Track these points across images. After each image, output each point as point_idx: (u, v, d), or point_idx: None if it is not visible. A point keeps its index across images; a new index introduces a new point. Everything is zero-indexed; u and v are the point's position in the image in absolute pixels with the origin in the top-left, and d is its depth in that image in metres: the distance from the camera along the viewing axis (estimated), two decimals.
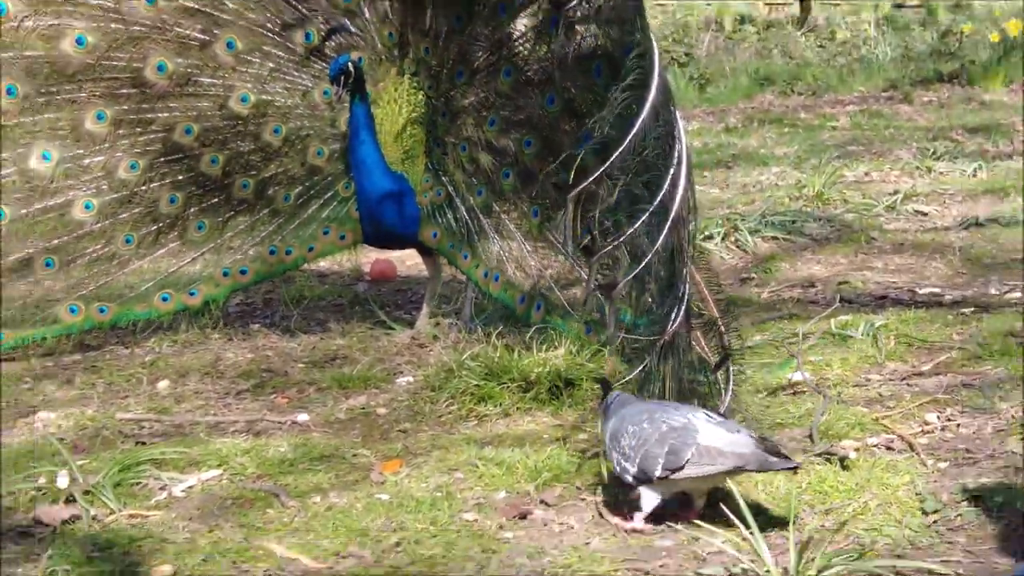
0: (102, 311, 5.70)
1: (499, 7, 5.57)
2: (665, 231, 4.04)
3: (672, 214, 4.04)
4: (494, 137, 5.67)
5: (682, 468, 3.48)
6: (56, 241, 5.65)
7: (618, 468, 3.65)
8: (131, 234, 5.72)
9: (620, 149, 4.07)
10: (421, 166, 5.71)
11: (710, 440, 3.49)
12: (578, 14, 4.81)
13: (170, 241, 5.82)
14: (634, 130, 4.07)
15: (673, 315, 4.05)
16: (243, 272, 5.84)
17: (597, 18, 4.64)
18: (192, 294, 5.79)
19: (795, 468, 3.57)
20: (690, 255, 4.20)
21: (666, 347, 4.06)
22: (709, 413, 3.66)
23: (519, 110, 5.63)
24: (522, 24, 5.63)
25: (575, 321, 5.40)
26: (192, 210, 5.78)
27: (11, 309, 5.64)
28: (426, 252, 5.96)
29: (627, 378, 4.16)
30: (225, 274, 5.82)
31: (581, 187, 4.13)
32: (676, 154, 4.12)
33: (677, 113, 4.31)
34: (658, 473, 3.51)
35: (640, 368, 4.09)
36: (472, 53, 5.67)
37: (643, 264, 4.04)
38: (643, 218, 4.04)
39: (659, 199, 4.05)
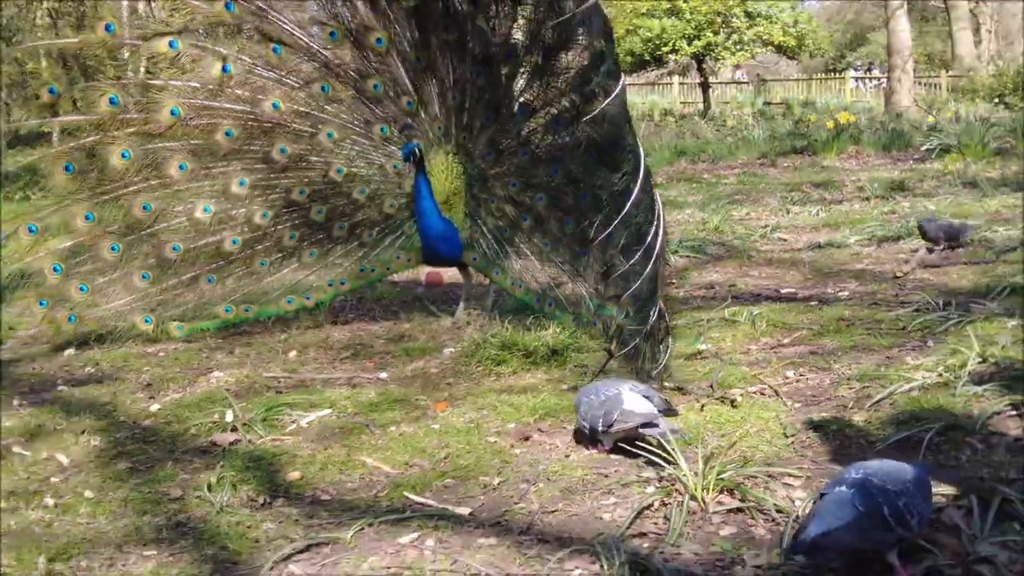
0: (247, 310, 5.69)
1: (519, 111, 5.48)
2: (651, 264, 4.07)
3: (655, 252, 4.09)
4: (515, 194, 5.59)
5: (612, 425, 3.52)
6: (214, 264, 5.61)
7: (582, 427, 3.66)
8: (264, 259, 5.67)
9: (624, 210, 4.10)
10: (461, 214, 5.64)
11: (630, 406, 3.52)
12: (586, 117, 4.81)
13: (291, 263, 5.76)
14: (632, 198, 4.08)
15: (652, 313, 4.08)
16: (342, 283, 5.79)
17: (601, 120, 4.49)
18: (308, 298, 5.75)
19: (683, 436, 3.51)
20: (663, 277, 4.23)
21: (647, 333, 4.09)
22: (635, 385, 3.67)
23: (532, 177, 5.54)
24: (534, 122, 5.51)
25: (568, 313, 5.34)
26: (305, 243, 5.73)
27: (186, 309, 5.63)
28: (463, 268, 5.92)
29: (623, 351, 4.17)
30: (330, 284, 5.78)
31: (603, 235, 4.16)
32: (656, 213, 4.14)
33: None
34: (600, 428, 3.55)
35: (632, 344, 4.10)
36: (498, 141, 5.57)
37: (636, 284, 4.07)
38: (637, 255, 4.06)
39: (647, 243, 4.08)
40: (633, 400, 3.54)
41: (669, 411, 3.60)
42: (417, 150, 5.37)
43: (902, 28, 20.24)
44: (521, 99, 5.50)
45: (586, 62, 4.82)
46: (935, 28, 37.21)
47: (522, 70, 5.44)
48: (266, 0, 5.43)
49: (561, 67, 5.17)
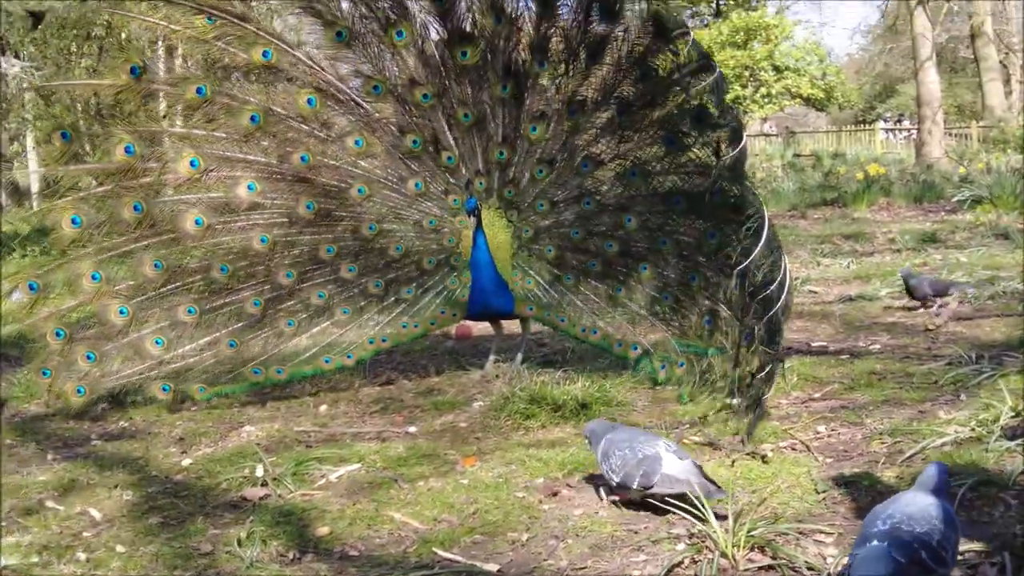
0: (279, 372, 5.39)
1: (582, 164, 5.41)
2: (784, 294, 4.18)
3: (786, 284, 4.19)
4: (578, 242, 5.48)
5: (651, 487, 3.44)
6: (235, 327, 5.32)
7: (607, 476, 3.60)
8: (291, 320, 5.40)
9: (760, 244, 4.24)
10: (509, 266, 5.49)
11: (670, 470, 3.42)
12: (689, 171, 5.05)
13: (322, 322, 5.47)
14: (764, 236, 4.23)
15: (781, 343, 4.19)
16: (384, 340, 5.53)
17: (721, 174, 4.63)
18: (348, 356, 5.47)
19: (722, 495, 3.38)
20: (790, 308, 4.39)
21: (776, 362, 4.16)
22: (668, 443, 3.56)
23: (597, 225, 5.43)
24: (602, 173, 5.43)
25: (656, 360, 5.27)
26: (336, 301, 5.48)
27: (207, 372, 5.33)
28: (495, 321, 5.81)
29: (760, 375, 4.22)
30: (371, 342, 5.51)
31: (743, 266, 4.25)
32: (781, 253, 4.28)
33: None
34: (635, 487, 3.47)
35: (768, 368, 4.16)
36: (552, 193, 5.48)
37: (773, 311, 4.17)
38: (773, 286, 4.17)
39: (780, 275, 4.21)
40: (672, 463, 3.45)
41: (701, 473, 3.49)
42: (478, 206, 5.27)
43: (931, 79, 20.28)
44: (586, 152, 5.41)
45: (681, 117, 4.95)
46: (965, 79, 37.17)
47: (590, 124, 5.36)
48: (304, 50, 5.33)
49: (644, 124, 5.15)
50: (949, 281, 6.91)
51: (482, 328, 6.57)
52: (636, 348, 5.39)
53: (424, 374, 5.92)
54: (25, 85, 14.81)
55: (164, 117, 5.55)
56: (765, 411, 4.11)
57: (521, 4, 5.34)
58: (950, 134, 25.60)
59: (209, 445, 4.79)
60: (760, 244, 4.16)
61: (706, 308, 5.16)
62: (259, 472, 4.13)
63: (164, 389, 5.27)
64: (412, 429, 4.85)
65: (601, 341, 5.49)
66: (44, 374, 5.20)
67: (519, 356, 5.73)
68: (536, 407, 4.77)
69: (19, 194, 21.13)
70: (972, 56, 30.78)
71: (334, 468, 4.22)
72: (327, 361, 5.48)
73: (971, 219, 11.76)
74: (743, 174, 4.53)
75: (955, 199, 13.41)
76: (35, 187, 20.68)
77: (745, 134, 4.66)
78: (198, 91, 5.16)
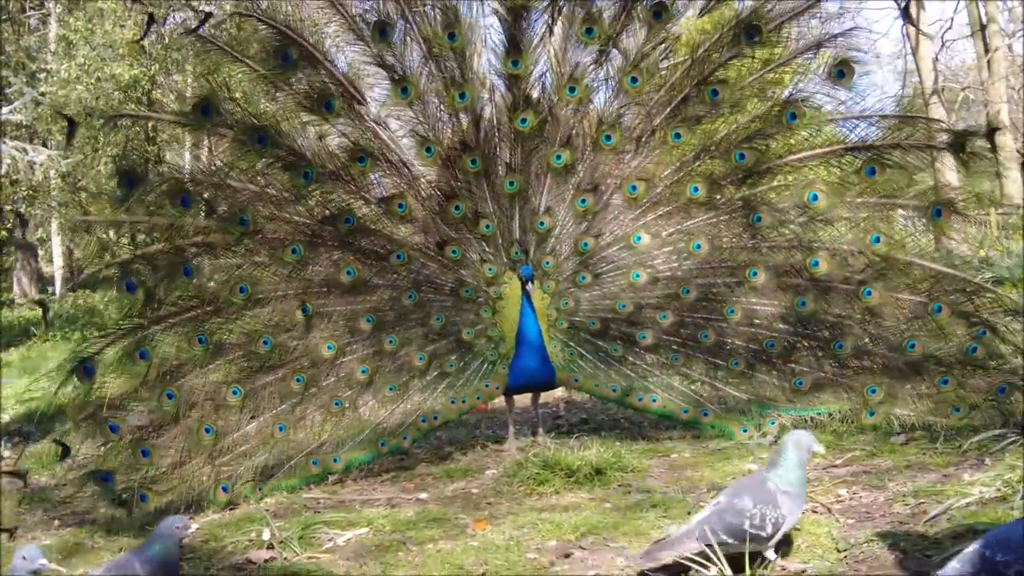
0: (335, 461, 5.07)
1: (635, 237, 5.27)
2: None
3: None
4: (628, 315, 5.32)
5: None
6: (279, 408, 5.01)
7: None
8: (337, 399, 5.13)
9: None
10: (547, 336, 5.26)
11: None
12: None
13: (368, 400, 5.22)
14: None
15: None
16: (435, 418, 5.26)
17: None
18: (404, 438, 5.22)
19: None
20: None
21: None
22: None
23: (647, 297, 5.29)
24: (656, 249, 5.30)
25: (734, 423, 5.17)
26: (380, 377, 5.21)
27: (259, 465, 4.95)
28: (508, 395, 5.57)
29: None
30: (423, 420, 5.24)
31: None
32: None
33: None
34: None
35: None
36: (595, 265, 5.34)
37: None
38: None
39: None
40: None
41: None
42: (531, 274, 5.10)
43: (948, 167, 20.33)
44: (641, 222, 5.29)
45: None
46: (982, 168, 37.29)
47: (653, 201, 5.26)
48: (366, 107, 5.19)
49: (726, 202, 5.13)
50: None
51: (498, 402, 6.50)
52: (707, 413, 5.25)
53: (437, 444, 5.84)
54: (52, 172, 15.07)
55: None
56: None
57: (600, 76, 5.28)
58: (969, 221, 25.58)
59: (217, 512, 4.72)
60: None
61: (795, 371, 5.15)
62: (265, 535, 4.05)
63: (224, 489, 4.83)
64: (423, 496, 4.76)
65: (661, 409, 5.32)
66: (106, 480, 4.66)
67: (540, 429, 5.52)
68: (550, 472, 4.68)
69: (42, 281, 21.35)
70: (988, 145, 30.92)
71: (342, 532, 4.13)
72: (383, 444, 5.21)
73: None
74: None
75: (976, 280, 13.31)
76: (59, 275, 20.93)
77: None
78: (259, 140, 4.98)
